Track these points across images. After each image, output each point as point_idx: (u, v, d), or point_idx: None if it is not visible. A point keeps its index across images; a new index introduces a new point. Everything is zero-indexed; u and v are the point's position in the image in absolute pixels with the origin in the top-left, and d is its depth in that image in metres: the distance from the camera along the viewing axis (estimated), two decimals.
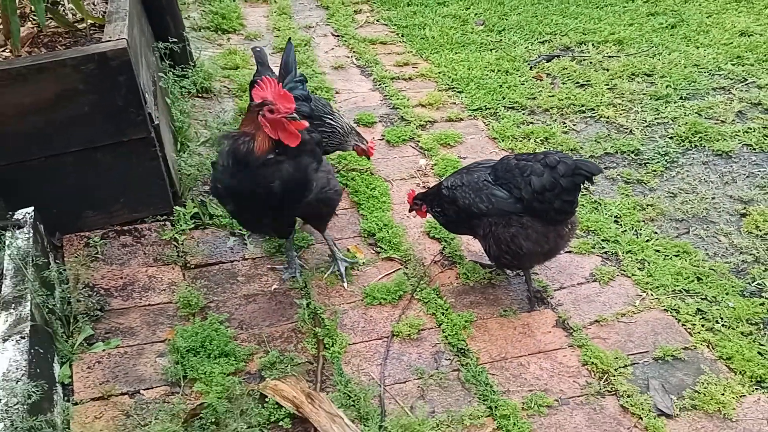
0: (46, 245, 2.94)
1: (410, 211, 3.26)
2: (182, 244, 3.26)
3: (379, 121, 4.46)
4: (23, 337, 2.30)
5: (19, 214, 2.84)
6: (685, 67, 5.05)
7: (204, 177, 3.67)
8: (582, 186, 2.74)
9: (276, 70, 3.51)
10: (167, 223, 3.36)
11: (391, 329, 2.87)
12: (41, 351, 2.38)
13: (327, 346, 2.76)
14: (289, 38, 3.83)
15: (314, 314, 2.91)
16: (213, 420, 2.39)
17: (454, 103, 4.73)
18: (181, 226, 3.32)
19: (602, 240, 3.41)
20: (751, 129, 4.29)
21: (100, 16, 3.32)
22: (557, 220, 2.79)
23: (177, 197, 3.42)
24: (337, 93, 4.76)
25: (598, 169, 2.69)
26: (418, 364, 2.72)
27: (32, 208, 2.87)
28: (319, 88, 4.70)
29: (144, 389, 2.55)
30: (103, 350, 2.70)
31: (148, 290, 3.02)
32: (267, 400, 2.47)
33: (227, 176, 2.63)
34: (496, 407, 2.51)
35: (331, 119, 3.48)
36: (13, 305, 2.43)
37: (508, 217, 2.80)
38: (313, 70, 5.00)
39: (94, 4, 3.50)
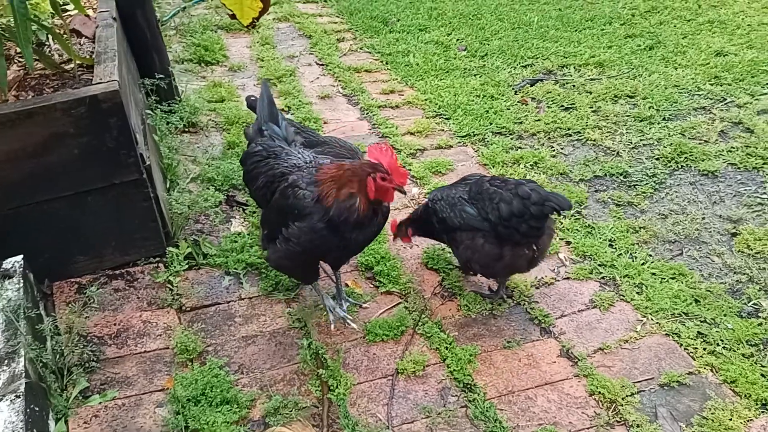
0: (36, 294, 2.85)
1: (394, 238, 3.36)
2: (177, 286, 3.18)
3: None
4: (18, 396, 2.20)
5: (8, 263, 2.74)
6: (665, 88, 5.15)
7: (195, 215, 3.61)
8: (550, 216, 2.87)
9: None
10: (160, 264, 3.29)
11: (395, 366, 2.83)
12: (36, 409, 2.28)
13: (331, 387, 2.70)
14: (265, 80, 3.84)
15: (316, 354, 2.86)
16: None
17: (443, 130, 4.75)
18: (174, 267, 3.25)
19: (599, 265, 3.42)
20: (734, 148, 4.37)
21: (88, 56, 3.26)
22: (522, 242, 2.90)
23: (169, 237, 3.35)
24: (325, 123, 4.74)
25: (568, 204, 2.82)
26: (424, 402, 2.67)
27: (21, 256, 2.77)
28: (307, 118, 4.68)
29: None
30: (100, 403, 2.60)
31: (144, 336, 2.94)
32: None
33: (325, 240, 2.61)
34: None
35: None
36: (6, 361, 2.34)
37: (474, 232, 2.95)
38: (300, 101, 4.98)
39: (80, 44, 3.45)
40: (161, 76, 4.04)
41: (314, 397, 2.68)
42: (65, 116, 2.70)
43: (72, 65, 3.19)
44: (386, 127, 4.68)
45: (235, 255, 3.35)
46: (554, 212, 2.84)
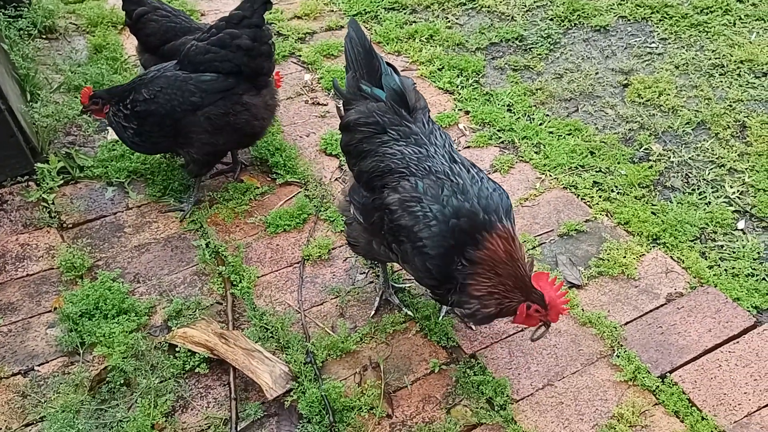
0: None
1: (84, 112, 2.88)
2: (53, 203, 2.92)
3: None
4: None
5: None
6: None
7: (65, 127, 3.27)
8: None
9: None
10: (31, 183, 2.99)
11: (300, 254, 2.75)
12: None
13: (234, 283, 2.61)
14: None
15: (216, 253, 2.74)
16: (122, 381, 2.22)
17: (332, 11, 4.46)
18: (47, 183, 2.97)
19: (498, 130, 3.40)
20: (623, 0, 4.35)
21: None
22: (266, 68, 2.84)
23: (36, 153, 3.03)
24: (202, 15, 4.34)
25: None
26: (333, 284, 2.64)
27: None
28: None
29: (38, 365, 2.32)
30: None
31: (23, 260, 2.71)
32: (178, 349, 2.32)
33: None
34: (416, 310, 2.50)
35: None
36: None
37: (223, 96, 2.76)
38: None
39: None
40: None
41: (217, 295, 2.59)
42: None
43: None
44: (270, 13, 4.32)
45: (116, 164, 3.09)
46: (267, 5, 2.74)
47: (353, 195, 2.26)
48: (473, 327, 2.44)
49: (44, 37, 3.93)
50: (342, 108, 2.28)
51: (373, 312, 2.51)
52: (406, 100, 2.18)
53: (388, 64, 2.25)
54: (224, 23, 2.75)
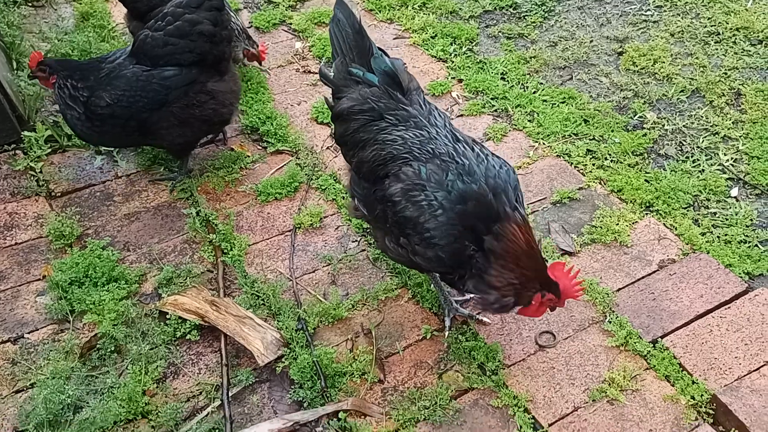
0: None
1: (32, 77, 2.77)
2: (41, 171, 2.89)
3: (244, 7, 4.06)
4: None
5: None
6: None
7: (53, 95, 3.21)
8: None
9: None
10: (18, 151, 2.95)
11: (292, 222, 2.74)
12: None
13: (225, 251, 2.59)
14: None
15: (206, 221, 2.71)
16: (112, 348, 2.21)
17: None
18: (35, 152, 2.92)
19: (491, 99, 3.36)
20: None
21: None
22: (227, 53, 2.76)
23: (23, 121, 2.99)
24: None
25: None
26: (325, 251, 2.62)
27: None
28: None
29: (28, 332, 2.31)
30: None
31: (12, 228, 2.68)
32: (169, 316, 2.31)
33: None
34: (409, 278, 2.50)
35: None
36: None
37: (187, 89, 2.65)
38: None
39: None
40: None
41: (208, 263, 2.57)
42: None
43: None
44: None
45: None
46: None
47: (354, 187, 2.21)
48: (488, 320, 2.35)
49: (30, 4, 3.85)
50: (331, 97, 2.18)
51: (447, 333, 2.31)
52: (400, 82, 2.08)
53: (378, 47, 2.15)
54: (181, 9, 2.59)
